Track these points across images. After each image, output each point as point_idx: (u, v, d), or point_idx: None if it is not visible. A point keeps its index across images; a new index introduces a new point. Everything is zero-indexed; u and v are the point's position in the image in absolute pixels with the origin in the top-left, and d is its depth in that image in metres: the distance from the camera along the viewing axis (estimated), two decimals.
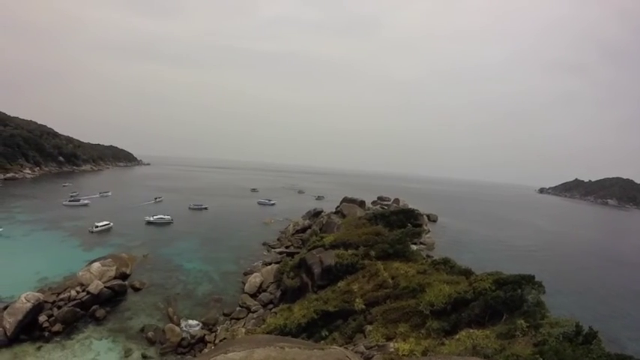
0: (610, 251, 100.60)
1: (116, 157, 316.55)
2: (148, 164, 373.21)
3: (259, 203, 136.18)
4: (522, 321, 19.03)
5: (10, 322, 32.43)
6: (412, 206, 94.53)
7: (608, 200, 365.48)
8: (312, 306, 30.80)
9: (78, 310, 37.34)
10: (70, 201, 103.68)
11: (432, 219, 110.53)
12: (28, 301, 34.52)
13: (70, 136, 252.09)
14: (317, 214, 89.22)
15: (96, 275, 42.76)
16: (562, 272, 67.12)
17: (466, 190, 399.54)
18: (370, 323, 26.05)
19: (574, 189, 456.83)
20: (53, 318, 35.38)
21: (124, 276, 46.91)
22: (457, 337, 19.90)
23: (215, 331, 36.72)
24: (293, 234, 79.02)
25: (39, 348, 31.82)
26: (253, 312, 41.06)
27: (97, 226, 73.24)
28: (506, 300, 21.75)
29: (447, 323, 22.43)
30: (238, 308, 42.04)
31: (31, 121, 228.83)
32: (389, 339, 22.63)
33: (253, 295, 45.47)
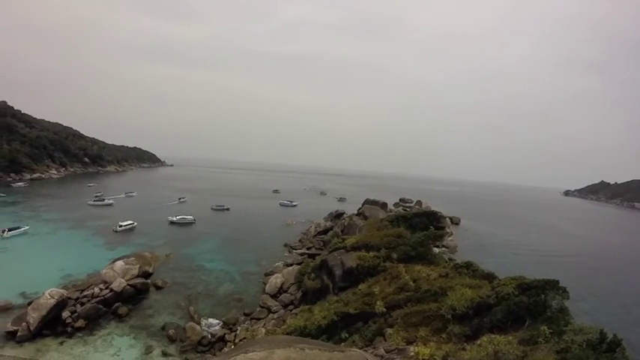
0: (637, 256, 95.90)
1: (140, 158, 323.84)
2: (172, 165, 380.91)
3: (281, 204, 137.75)
4: (545, 327, 18.62)
5: (33, 317, 33.01)
6: (434, 208, 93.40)
7: (635, 203, 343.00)
8: (332, 308, 30.88)
9: (101, 307, 37.95)
10: (94, 201, 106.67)
11: (455, 222, 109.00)
12: (52, 297, 35.11)
13: (96, 137, 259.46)
14: (339, 215, 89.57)
15: (119, 273, 43.54)
16: (587, 277, 64.79)
17: (489, 193, 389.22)
18: (391, 326, 26.00)
19: (600, 191, 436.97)
20: (76, 314, 36.02)
21: (146, 275, 47.82)
22: (478, 342, 19.75)
23: (235, 331, 36.92)
24: (314, 235, 79.58)
25: (61, 343, 32.45)
26: (274, 312, 41.43)
27: (120, 226, 74.94)
28: (529, 305, 21.34)
29: (468, 328, 22.19)
30: (259, 308, 42.38)
31: (56, 123, 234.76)
32: (409, 343, 22.61)
33: (274, 296, 45.86)
